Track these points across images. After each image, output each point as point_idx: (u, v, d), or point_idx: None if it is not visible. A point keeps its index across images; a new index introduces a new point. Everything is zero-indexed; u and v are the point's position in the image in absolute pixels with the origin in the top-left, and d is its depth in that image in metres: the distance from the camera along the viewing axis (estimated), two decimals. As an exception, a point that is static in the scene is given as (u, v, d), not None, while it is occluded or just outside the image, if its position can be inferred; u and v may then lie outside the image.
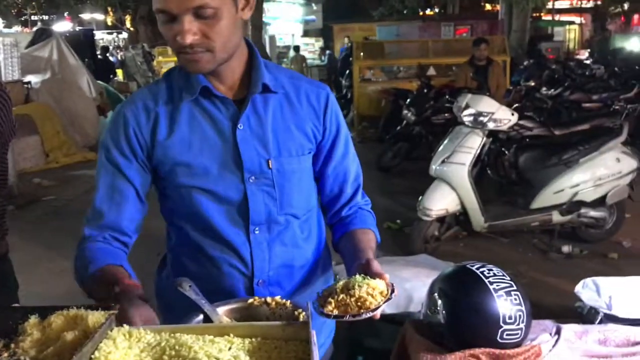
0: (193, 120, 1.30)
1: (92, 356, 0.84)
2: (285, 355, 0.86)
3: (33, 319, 0.94)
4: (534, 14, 17.55)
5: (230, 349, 0.87)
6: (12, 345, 0.90)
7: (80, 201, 6.88)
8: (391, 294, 1.08)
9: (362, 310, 1.03)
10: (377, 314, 1.06)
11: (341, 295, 1.05)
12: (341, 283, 1.10)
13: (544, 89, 8.25)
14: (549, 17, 23.63)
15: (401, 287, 2.38)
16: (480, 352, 1.50)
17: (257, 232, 1.35)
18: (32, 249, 4.92)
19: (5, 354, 0.88)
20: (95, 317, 0.92)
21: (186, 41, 1.14)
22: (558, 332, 1.68)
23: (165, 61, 17.99)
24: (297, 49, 16.95)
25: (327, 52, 18.38)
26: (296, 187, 1.37)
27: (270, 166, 1.32)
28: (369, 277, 1.11)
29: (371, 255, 1.27)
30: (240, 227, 1.34)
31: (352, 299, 1.04)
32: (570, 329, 1.68)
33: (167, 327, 0.93)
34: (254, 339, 0.91)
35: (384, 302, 1.05)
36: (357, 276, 1.11)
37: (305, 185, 1.41)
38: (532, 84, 8.73)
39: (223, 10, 1.16)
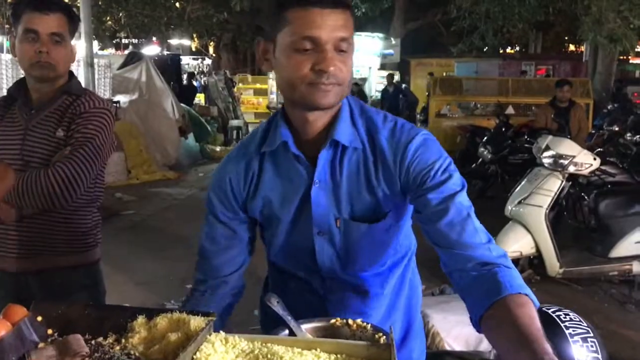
0: (274, 175, 1.33)
1: (194, 356, 0.92)
2: (369, 374, 0.91)
3: (141, 319, 1.04)
4: (621, 57, 16.99)
5: (317, 362, 0.93)
6: (123, 341, 1.00)
7: (157, 217, 7.20)
8: None
9: None
10: None
11: None
12: None
13: (628, 134, 7.96)
14: (637, 60, 22.80)
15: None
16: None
17: (328, 280, 1.39)
18: (110, 260, 5.19)
19: (117, 347, 0.98)
20: (196, 321, 1.00)
21: (330, 67, 1.15)
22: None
23: (245, 88, 18.55)
24: (391, 76, 16.96)
25: (404, 85, 18.47)
26: (365, 249, 1.35)
27: (339, 225, 1.31)
28: None
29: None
30: (314, 273, 1.39)
31: None
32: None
33: (259, 336, 1.00)
34: (339, 355, 0.96)
35: None
36: None
37: (378, 246, 1.36)
38: (616, 128, 8.45)
39: (352, 48, 1.20)
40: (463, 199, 1.23)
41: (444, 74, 15.46)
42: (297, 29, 1.16)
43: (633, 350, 3.38)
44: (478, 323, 1.09)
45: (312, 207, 1.30)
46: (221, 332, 1.00)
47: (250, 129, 12.97)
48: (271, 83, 17.79)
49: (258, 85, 19.26)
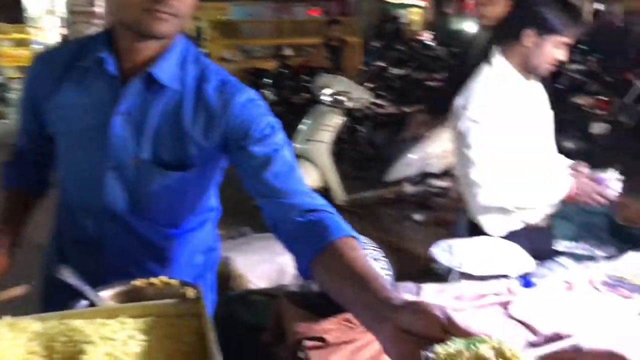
0: (77, 91, 1.24)
1: (-25, 350, 0.80)
2: (182, 331, 0.89)
3: None
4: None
5: (124, 329, 0.88)
6: None
7: None
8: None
9: None
10: None
11: None
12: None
13: (393, 69, 8.70)
14: (395, 1, 24.75)
15: (275, 261, 2.46)
16: (353, 316, 1.60)
17: (107, 222, 1.30)
18: None
19: None
20: (-27, 310, 0.88)
21: None
22: (418, 292, 1.84)
23: (3, 39, 16.34)
24: None
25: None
26: (159, 198, 1.29)
27: (136, 164, 1.24)
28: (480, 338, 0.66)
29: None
30: (92, 213, 1.31)
31: None
32: (429, 288, 1.84)
33: (54, 314, 0.91)
34: (147, 319, 0.92)
35: None
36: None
37: (174, 199, 1.31)
38: (382, 64, 9.15)
39: None
40: (287, 154, 1.21)
41: (219, 17, 15.21)
42: None
43: (412, 261, 3.80)
44: (306, 270, 1.01)
45: (109, 138, 1.22)
46: (7, 317, 0.89)
47: (14, 85, 11.55)
48: (33, 31, 15.90)
49: (18, 35, 17.03)
